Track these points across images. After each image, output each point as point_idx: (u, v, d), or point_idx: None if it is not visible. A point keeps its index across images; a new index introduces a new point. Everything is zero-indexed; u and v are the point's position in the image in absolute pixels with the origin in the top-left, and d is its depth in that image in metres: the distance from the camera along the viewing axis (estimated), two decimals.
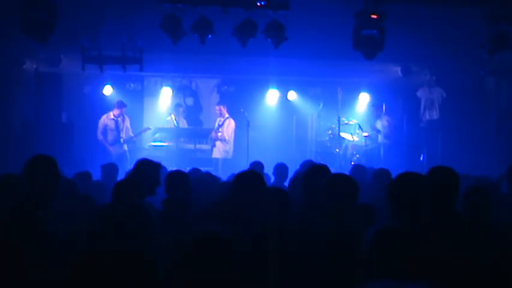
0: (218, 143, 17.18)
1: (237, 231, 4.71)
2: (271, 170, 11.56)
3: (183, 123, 17.95)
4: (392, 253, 3.74)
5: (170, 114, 17.96)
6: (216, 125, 17.34)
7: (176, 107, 18.31)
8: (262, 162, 11.31)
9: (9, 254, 4.66)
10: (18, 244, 4.74)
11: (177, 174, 7.46)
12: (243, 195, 5.92)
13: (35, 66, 15.49)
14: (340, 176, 5.79)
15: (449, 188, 4.94)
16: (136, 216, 5.51)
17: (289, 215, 5.84)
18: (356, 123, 17.30)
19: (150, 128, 17.38)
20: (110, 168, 10.88)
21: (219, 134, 17.12)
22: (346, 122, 17.15)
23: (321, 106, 18.00)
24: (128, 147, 16.60)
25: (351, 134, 17.07)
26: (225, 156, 16.88)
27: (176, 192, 7.02)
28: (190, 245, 4.11)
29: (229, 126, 17.18)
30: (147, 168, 7.21)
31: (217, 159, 16.95)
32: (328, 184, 5.54)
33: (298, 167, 10.95)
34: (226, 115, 17.26)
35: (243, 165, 13.40)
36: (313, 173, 6.15)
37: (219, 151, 17.13)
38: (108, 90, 17.83)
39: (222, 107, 17.41)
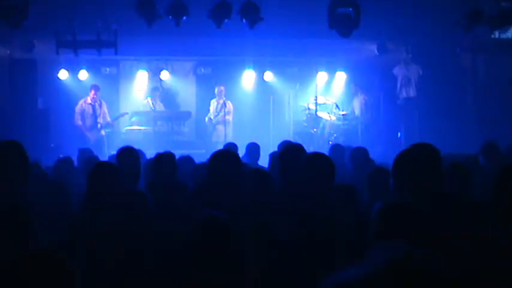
0: (220, 127, 17.11)
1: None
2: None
3: (160, 107, 17.87)
4: (401, 228, 3.76)
5: (147, 98, 17.88)
6: (215, 107, 17.25)
7: (153, 90, 18.22)
8: (241, 143, 11.29)
9: None
10: None
11: (165, 156, 7.38)
12: (219, 175, 5.89)
13: (8, 52, 15.36)
14: (316, 155, 5.76)
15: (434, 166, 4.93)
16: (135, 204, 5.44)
17: (269, 195, 5.81)
18: (333, 102, 17.30)
19: (127, 113, 17.30)
20: (88, 154, 10.77)
21: (227, 117, 17.06)
22: (323, 101, 17.15)
23: (298, 86, 18.00)
24: (105, 132, 16.50)
25: (328, 114, 17.07)
26: (226, 140, 16.60)
27: (163, 176, 6.97)
28: (199, 230, 4.13)
29: (231, 109, 17.16)
30: (129, 156, 7.13)
31: (216, 143, 16.68)
32: (305, 164, 5.52)
33: (275, 147, 10.99)
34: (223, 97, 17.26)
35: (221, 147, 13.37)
36: (289, 153, 6.14)
37: (222, 134, 17.00)
38: (83, 74, 17.71)
39: (223, 88, 17.36)
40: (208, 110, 17.49)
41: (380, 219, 3.85)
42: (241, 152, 10.94)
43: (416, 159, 4.75)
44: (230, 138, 16.47)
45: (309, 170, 5.46)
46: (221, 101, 17.24)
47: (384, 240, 3.79)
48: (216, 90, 17.40)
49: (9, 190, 5.37)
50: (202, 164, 8.26)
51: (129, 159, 7.08)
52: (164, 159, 7.15)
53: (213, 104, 17.38)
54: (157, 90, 18.29)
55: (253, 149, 10.78)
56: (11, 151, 5.62)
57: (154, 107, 17.56)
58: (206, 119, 17.50)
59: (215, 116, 17.15)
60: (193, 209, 5.30)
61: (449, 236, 4.25)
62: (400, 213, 3.86)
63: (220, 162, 6.01)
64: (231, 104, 17.28)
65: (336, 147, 10.55)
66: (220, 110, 17.14)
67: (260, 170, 6.80)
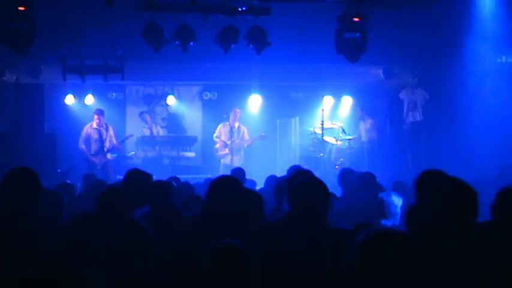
0: (241, 151, 16.95)
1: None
2: (256, 175, 11.51)
3: (159, 131, 17.90)
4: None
5: (144, 125, 17.97)
6: (227, 130, 16.98)
7: (140, 115, 18.30)
8: (248, 167, 11.26)
9: None
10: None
11: (160, 184, 7.35)
12: (218, 203, 5.84)
13: (15, 77, 15.36)
14: (307, 181, 5.61)
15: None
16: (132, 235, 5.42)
17: (270, 221, 5.76)
18: (339, 126, 17.27)
19: (132, 135, 17.29)
20: (91, 179, 10.76)
21: (247, 141, 16.94)
22: (329, 125, 17.12)
23: (304, 111, 18.03)
24: (111, 156, 16.49)
25: (335, 138, 17.04)
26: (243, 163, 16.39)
27: (161, 203, 6.92)
28: (209, 259, 4.10)
29: (246, 132, 17.08)
30: (138, 179, 7.11)
31: (227, 166, 16.40)
32: (297, 189, 5.43)
33: (282, 171, 10.92)
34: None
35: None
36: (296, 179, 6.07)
37: (241, 158, 16.88)
38: (89, 99, 17.76)
39: (239, 111, 17.19)
40: (214, 133, 17.27)
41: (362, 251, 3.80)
42: (248, 176, 10.93)
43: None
44: (218, 162, 16.51)
45: (300, 196, 5.35)
46: (236, 124, 17.01)
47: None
48: (231, 114, 16.99)
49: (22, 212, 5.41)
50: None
51: (137, 182, 7.06)
52: (156, 187, 7.11)
53: (225, 127, 17.04)
54: (145, 113, 18.33)
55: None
56: (25, 177, 5.67)
57: (151, 132, 17.57)
58: (217, 142, 17.07)
59: (230, 140, 16.93)
60: (193, 238, 5.26)
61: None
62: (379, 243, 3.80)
63: (219, 190, 5.97)
64: (245, 129, 17.17)
65: (346, 172, 10.43)
66: (232, 134, 16.93)
67: (252, 192, 6.67)
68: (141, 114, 18.28)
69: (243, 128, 17.02)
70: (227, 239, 4.38)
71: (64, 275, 3.00)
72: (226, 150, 16.80)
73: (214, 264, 4.17)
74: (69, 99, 17.65)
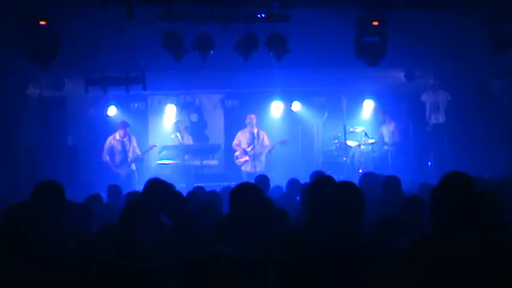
0: (261, 157, 16.98)
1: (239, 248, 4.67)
2: (279, 182, 11.51)
3: (188, 140, 17.90)
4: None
5: (175, 132, 17.95)
6: (247, 138, 17.04)
7: (177, 123, 18.29)
8: (271, 174, 11.24)
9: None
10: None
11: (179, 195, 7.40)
12: (239, 210, 5.86)
13: (38, 91, 15.50)
14: (344, 185, 5.64)
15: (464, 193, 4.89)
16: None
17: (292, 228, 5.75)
18: (362, 130, 17.24)
19: (156, 145, 17.34)
20: (115, 190, 10.83)
21: (267, 147, 16.96)
22: (351, 130, 17.09)
23: (326, 115, 17.97)
24: (135, 166, 16.58)
25: (358, 142, 17.01)
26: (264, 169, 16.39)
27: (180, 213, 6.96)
28: (200, 265, 4.11)
29: (266, 138, 17.10)
30: (158, 188, 7.16)
31: (250, 174, 16.38)
32: (334, 193, 5.42)
33: (305, 177, 10.91)
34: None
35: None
36: (320, 185, 6.07)
37: (262, 164, 16.91)
38: (112, 110, 17.85)
39: (254, 117, 17.17)
40: (233, 140, 17.30)
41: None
42: (272, 183, 10.93)
43: (453, 189, 4.70)
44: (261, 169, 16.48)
45: (336, 200, 5.33)
46: (255, 131, 17.05)
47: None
48: (247, 121, 17.05)
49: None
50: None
51: (157, 191, 7.11)
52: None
53: (244, 134, 17.11)
54: (182, 122, 18.34)
55: (294, 184, 10.56)
56: (51, 191, 5.78)
57: (182, 139, 17.60)
58: (237, 150, 17.18)
59: (250, 147, 16.96)
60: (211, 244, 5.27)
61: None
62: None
63: (241, 197, 5.99)
64: (265, 134, 17.18)
65: (367, 176, 10.38)
66: (253, 141, 17.00)
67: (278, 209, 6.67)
68: (177, 122, 18.29)
69: (263, 134, 17.04)
70: (219, 247, 4.37)
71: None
72: (247, 157, 16.83)
73: (204, 274, 4.16)
74: (92, 111, 17.74)
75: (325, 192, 5.62)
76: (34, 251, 4.90)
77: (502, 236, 4.54)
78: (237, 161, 17.05)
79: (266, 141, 16.95)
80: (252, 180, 10.71)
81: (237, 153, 17.10)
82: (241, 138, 17.06)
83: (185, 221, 6.64)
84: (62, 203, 5.93)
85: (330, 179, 6.34)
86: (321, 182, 6.17)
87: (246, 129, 17.05)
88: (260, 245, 5.25)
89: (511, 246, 4.41)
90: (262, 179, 10.29)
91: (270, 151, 17.04)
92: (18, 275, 4.66)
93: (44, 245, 5.14)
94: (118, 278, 2.94)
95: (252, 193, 6.05)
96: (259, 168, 16.43)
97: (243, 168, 16.90)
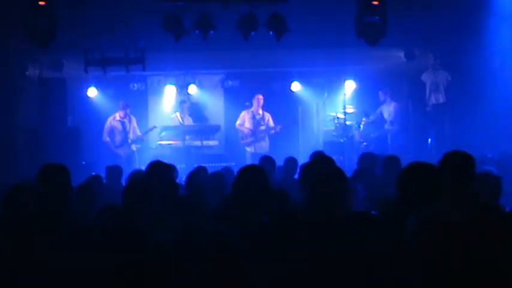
0: (266, 138, 16.94)
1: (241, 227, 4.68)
2: (279, 162, 11.49)
3: (188, 120, 17.89)
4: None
5: (175, 112, 17.93)
6: (253, 118, 16.96)
7: (181, 103, 18.26)
8: (270, 154, 11.22)
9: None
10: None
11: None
12: (245, 192, 5.86)
13: (38, 71, 15.48)
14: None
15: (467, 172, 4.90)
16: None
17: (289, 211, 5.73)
18: (362, 110, 17.23)
19: (156, 127, 17.33)
20: (114, 171, 10.83)
21: (274, 128, 16.97)
22: (351, 110, 17.08)
23: (326, 96, 17.97)
24: (135, 147, 16.59)
25: (357, 122, 16.99)
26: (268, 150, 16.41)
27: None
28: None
29: (270, 119, 17.08)
30: (160, 171, 7.16)
31: (255, 155, 16.42)
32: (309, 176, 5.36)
33: (305, 157, 10.90)
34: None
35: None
36: (310, 166, 6.05)
37: (266, 145, 16.89)
38: (111, 91, 17.85)
39: (262, 97, 17.13)
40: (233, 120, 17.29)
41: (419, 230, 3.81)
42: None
43: (454, 167, 4.69)
44: (242, 149, 16.58)
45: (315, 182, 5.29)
46: (260, 111, 17.01)
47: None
48: (254, 101, 17.03)
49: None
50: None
51: (159, 174, 7.12)
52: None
53: (249, 114, 17.05)
54: (185, 102, 18.33)
55: (291, 162, 10.51)
56: (59, 173, 5.81)
57: (183, 120, 17.58)
58: (242, 130, 17.10)
59: (254, 127, 16.91)
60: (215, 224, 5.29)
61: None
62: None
63: (247, 178, 5.99)
64: (270, 116, 17.16)
65: (366, 156, 10.36)
66: (258, 121, 16.97)
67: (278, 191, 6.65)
68: (181, 102, 18.27)
69: (268, 115, 17.03)
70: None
71: None
72: (252, 138, 16.81)
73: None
74: (92, 92, 17.75)
75: (320, 171, 5.57)
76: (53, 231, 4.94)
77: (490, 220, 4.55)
78: (242, 142, 17.00)
79: (271, 122, 16.94)
80: (257, 161, 10.71)
81: (242, 133, 17.07)
82: (246, 118, 17.01)
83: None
84: (68, 186, 5.98)
85: (327, 159, 6.34)
86: (317, 162, 6.16)
87: (251, 110, 17.03)
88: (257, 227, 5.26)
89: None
90: (267, 161, 10.19)
91: (276, 132, 17.01)
92: (41, 255, 4.70)
93: (56, 226, 5.18)
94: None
95: (255, 176, 6.05)
96: (264, 150, 16.44)
97: (248, 149, 16.85)
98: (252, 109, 16.96)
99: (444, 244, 3.75)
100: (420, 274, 3.77)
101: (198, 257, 4.34)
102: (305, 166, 6.17)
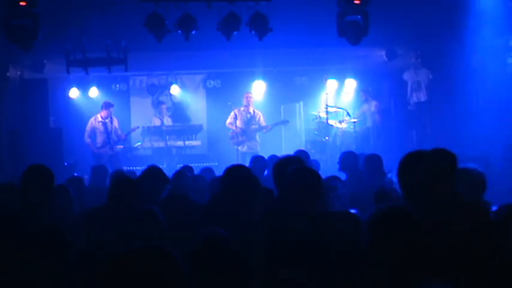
0: (256, 137, 16.88)
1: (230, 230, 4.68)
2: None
3: (167, 121, 17.90)
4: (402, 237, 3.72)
5: (156, 115, 17.98)
6: (245, 117, 16.92)
7: (159, 104, 18.29)
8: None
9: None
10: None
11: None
12: (232, 192, 5.87)
13: (19, 73, 15.41)
14: (300, 169, 5.57)
15: (448, 169, 4.92)
16: (144, 222, 5.45)
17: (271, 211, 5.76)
18: (344, 109, 17.28)
19: (138, 127, 17.33)
20: (100, 171, 10.83)
21: (265, 127, 16.92)
22: (334, 109, 17.13)
23: (308, 95, 18.08)
24: (117, 148, 16.55)
25: (340, 121, 17.04)
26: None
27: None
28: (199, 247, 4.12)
29: (262, 118, 17.03)
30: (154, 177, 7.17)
31: (245, 154, 16.47)
32: (289, 177, 5.39)
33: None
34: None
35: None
36: (281, 165, 6.04)
37: (257, 144, 16.86)
38: (94, 92, 17.82)
39: (252, 96, 17.17)
40: (225, 120, 17.13)
41: (371, 228, 3.82)
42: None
43: (434, 164, 4.70)
44: (228, 148, 16.62)
45: (293, 184, 5.33)
46: (251, 110, 16.98)
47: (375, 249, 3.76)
48: (244, 99, 17.02)
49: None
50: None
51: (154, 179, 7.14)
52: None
53: (240, 113, 16.96)
54: (163, 103, 18.33)
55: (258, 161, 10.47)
56: (41, 176, 5.81)
57: (162, 122, 17.60)
58: (232, 129, 16.92)
59: (246, 125, 16.82)
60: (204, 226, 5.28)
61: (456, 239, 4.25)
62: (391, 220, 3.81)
63: (234, 178, 5.99)
64: (261, 114, 17.14)
65: (347, 154, 10.39)
66: (251, 119, 16.92)
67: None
68: (159, 103, 18.29)
69: (259, 114, 17.00)
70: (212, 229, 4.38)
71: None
72: (243, 137, 16.76)
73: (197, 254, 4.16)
74: (74, 93, 17.71)
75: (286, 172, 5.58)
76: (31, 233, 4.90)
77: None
78: (232, 141, 16.94)
79: (262, 121, 16.92)
80: (247, 160, 10.69)
81: (232, 132, 17.00)
82: (238, 117, 16.95)
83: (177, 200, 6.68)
84: (51, 188, 5.99)
85: (292, 158, 6.32)
86: (284, 162, 6.15)
87: (242, 108, 17.01)
88: (247, 226, 5.28)
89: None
90: (259, 160, 10.14)
91: (267, 131, 16.99)
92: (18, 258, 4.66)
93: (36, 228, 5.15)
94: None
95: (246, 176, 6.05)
96: (255, 149, 16.46)
97: (239, 148, 16.80)
98: (243, 108, 16.94)
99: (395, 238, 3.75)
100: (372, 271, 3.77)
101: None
102: (277, 165, 6.18)
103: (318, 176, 5.38)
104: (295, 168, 5.52)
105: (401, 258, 3.68)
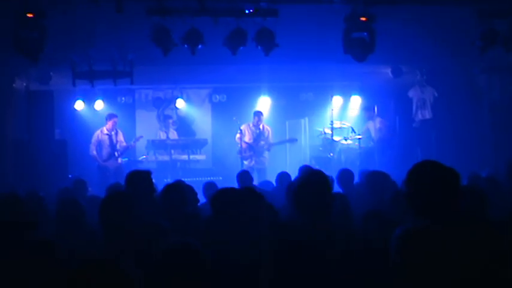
0: (264, 153, 16.91)
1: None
2: (268, 177, 11.54)
3: (173, 135, 17.91)
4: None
5: (161, 128, 17.99)
6: (252, 132, 16.91)
7: (165, 118, 18.30)
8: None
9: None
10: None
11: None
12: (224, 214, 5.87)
13: (25, 84, 15.45)
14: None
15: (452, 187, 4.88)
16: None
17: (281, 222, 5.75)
18: (349, 126, 17.27)
19: (142, 136, 17.26)
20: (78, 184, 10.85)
21: (273, 144, 16.99)
22: (339, 125, 17.12)
23: (313, 111, 18.07)
24: (122, 160, 16.52)
25: (344, 138, 17.03)
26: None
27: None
28: (159, 257, 4.13)
29: (271, 134, 17.08)
30: (138, 179, 7.19)
31: (263, 169, 16.68)
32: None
33: (293, 172, 10.96)
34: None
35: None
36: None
37: (266, 160, 16.92)
38: (99, 104, 17.82)
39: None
40: (240, 133, 16.86)
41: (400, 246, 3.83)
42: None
43: (435, 180, 4.66)
44: (231, 163, 16.67)
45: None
46: (261, 126, 16.96)
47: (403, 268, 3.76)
48: (255, 117, 16.98)
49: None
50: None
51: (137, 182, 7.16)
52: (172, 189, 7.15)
53: (249, 129, 16.93)
54: (170, 118, 18.35)
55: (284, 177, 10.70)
56: None
57: (167, 135, 17.62)
58: (241, 144, 16.79)
59: (255, 141, 16.83)
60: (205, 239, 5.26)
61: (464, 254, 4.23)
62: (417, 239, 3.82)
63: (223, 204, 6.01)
64: (270, 130, 17.16)
65: (344, 173, 10.44)
66: (260, 135, 16.91)
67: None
68: (166, 118, 18.33)
69: (268, 130, 17.02)
70: (179, 239, 4.37)
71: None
72: (251, 153, 16.74)
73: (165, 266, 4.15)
74: (79, 105, 17.72)
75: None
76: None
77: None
78: (240, 156, 16.89)
79: (271, 138, 16.95)
80: (255, 175, 10.74)
81: (241, 147, 16.88)
82: (247, 132, 16.91)
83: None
84: None
85: (318, 172, 6.31)
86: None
87: (251, 124, 17.02)
88: (249, 245, 5.26)
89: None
90: (245, 176, 10.33)
91: (270, 147, 17.01)
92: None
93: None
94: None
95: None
96: (263, 164, 16.49)
97: (246, 162, 16.74)
98: (253, 123, 16.97)
99: (427, 258, 3.77)
100: None
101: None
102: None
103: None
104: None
105: (428, 274, 3.69)
